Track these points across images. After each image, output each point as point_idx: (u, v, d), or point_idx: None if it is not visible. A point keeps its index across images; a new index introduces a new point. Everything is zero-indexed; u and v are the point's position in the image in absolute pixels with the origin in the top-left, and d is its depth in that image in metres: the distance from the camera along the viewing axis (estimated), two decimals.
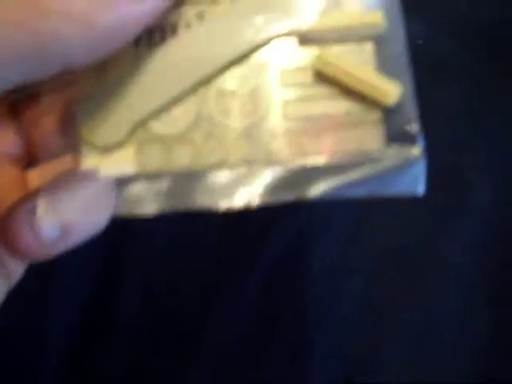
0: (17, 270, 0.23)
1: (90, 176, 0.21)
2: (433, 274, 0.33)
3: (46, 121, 0.22)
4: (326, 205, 0.33)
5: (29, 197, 0.21)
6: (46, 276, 0.27)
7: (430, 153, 0.21)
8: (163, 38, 0.22)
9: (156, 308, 0.33)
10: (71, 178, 0.21)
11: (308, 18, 0.21)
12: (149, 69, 0.21)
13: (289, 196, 0.21)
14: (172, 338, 0.33)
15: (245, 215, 0.24)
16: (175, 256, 0.33)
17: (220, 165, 0.21)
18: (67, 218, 0.20)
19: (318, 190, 0.21)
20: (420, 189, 0.21)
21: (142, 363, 0.33)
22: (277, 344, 0.32)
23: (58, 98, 0.22)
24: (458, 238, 0.33)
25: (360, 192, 0.21)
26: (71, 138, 0.22)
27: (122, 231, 0.33)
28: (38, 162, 0.23)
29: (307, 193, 0.21)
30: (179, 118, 0.21)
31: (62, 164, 0.23)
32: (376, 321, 0.33)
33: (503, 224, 0.33)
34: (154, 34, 0.22)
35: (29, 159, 0.23)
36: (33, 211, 0.20)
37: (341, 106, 0.21)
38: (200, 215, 0.22)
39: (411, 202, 0.30)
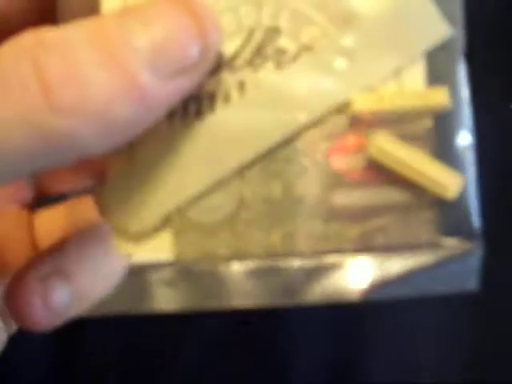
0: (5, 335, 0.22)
1: (122, 261, 0.20)
2: None
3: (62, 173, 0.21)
4: None
5: (40, 261, 0.19)
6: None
7: None
8: (199, 111, 0.19)
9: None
10: (96, 254, 0.20)
11: (361, 96, 0.19)
12: (185, 148, 0.19)
13: (328, 295, 0.20)
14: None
15: None
16: None
17: (263, 257, 0.20)
18: (82, 291, 0.19)
19: (361, 287, 0.20)
20: (472, 284, 0.20)
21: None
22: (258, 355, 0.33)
23: None
24: None
25: (405, 290, 0.20)
26: (83, 180, 0.21)
27: None
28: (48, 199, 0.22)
29: (350, 292, 0.20)
30: (220, 204, 0.20)
31: (72, 209, 0.21)
32: (361, 323, 0.33)
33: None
34: (189, 106, 0.19)
35: (39, 196, 0.22)
36: (45, 279, 0.19)
37: (393, 194, 0.20)
38: None
39: None
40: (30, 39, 0.16)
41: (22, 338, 0.25)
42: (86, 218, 0.20)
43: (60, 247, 0.19)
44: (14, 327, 0.22)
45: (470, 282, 0.20)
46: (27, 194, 0.22)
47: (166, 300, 0.20)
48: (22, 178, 0.18)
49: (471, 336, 0.33)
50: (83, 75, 0.16)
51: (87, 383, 0.33)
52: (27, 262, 0.19)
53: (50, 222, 0.22)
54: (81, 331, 0.33)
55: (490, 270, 0.20)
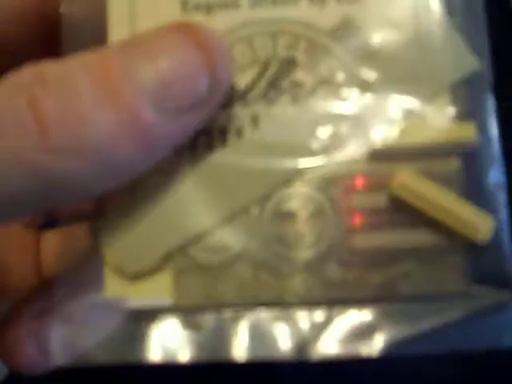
0: None
1: (115, 306, 0.18)
2: None
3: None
4: None
5: (34, 297, 0.19)
6: None
7: None
8: (210, 145, 0.18)
9: None
10: (92, 304, 0.18)
11: (385, 131, 0.18)
12: (191, 183, 0.18)
13: (349, 350, 0.18)
14: None
15: None
16: None
17: (273, 303, 0.18)
18: (77, 333, 0.18)
19: (385, 342, 0.18)
20: (508, 341, 0.18)
21: None
22: None
23: None
24: None
25: (433, 347, 0.18)
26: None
27: None
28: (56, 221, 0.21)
29: (372, 347, 0.18)
30: (225, 244, 0.18)
31: (76, 232, 0.20)
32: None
33: None
34: (199, 140, 0.18)
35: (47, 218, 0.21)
36: (39, 316, 0.18)
37: (418, 237, 0.18)
38: None
39: None
40: (28, 74, 0.15)
41: None
42: (83, 248, 0.19)
43: (53, 286, 0.18)
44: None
45: (507, 337, 0.18)
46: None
47: (166, 352, 0.18)
48: (23, 217, 0.17)
49: None
50: (82, 113, 0.15)
51: None
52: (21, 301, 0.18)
53: (57, 244, 0.21)
54: None
55: None
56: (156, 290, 0.18)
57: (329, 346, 0.18)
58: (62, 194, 0.16)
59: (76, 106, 0.15)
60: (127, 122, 0.15)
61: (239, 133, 0.18)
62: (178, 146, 0.17)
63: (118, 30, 0.18)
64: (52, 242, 0.22)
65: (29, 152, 0.15)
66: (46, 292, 0.19)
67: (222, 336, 0.18)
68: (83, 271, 0.19)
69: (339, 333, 0.18)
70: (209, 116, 0.17)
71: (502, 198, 0.18)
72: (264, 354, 0.18)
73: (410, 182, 0.18)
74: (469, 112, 0.18)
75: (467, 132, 0.18)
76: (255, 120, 0.18)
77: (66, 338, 0.18)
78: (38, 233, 0.22)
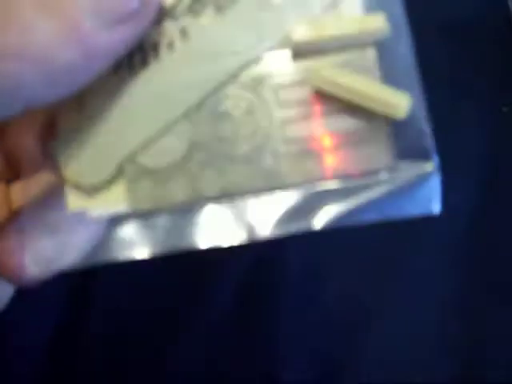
0: (4, 295, 0.22)
1: (80, 219, 0.20)
2: (405, 283, 0.32)
3: (27, 135, 0.21)
4: None
5: (19, 215, 0.20)
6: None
7: None
8: (145, 61, 0.20)
9: (119, 334, 0.32)
10: (59, 219, 0.20)
11: (301, 27, 0.19)
12: (132, 97, 0.19)
13: (295, 228, 0.19)
14: (133, 363, 0.32)
15: None
16: (139, 283, 0.32)
17: (220, 196, 0.20)
18: (53, 256, 0.19)
19: (325, 218, 0.19)
20: (436, 208, 0.20)
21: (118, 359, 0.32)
22: (248, 356, 0.32)
23: (39, 112, 0.21)
24: (429, 249, 0.32)
25: (371, 217, 0.19)
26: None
27: None
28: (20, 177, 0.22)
29: (314, 223, 0.19)
30: (171, 148, 0.20)
31: (44, 178, 0.21)
32: (349, 329, 0.32)
33: (476, 234, 0.32)
34: (134, 57, 0.20)
35: (12, 175, 0.22)
36: (24, 228, 0.19)
37: (344, 123, 0.20)
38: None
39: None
40: None
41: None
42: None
43: (38, 201, 0.20)
44: (9, 292, 0.22)
45: (433, 204, 0.20)
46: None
47: (129, 249, 0.20)
48: None
49: (460, 346, 0.32)
50: (25, 21, 0.16)
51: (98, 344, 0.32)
52: (6, 218, 0.19)
53: (25, 195, 0.22)
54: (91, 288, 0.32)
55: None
56: (112, 199, 0.19)
57: (273, 226, 0.19)
58: (10, 101, 0.17)
59: (19, 14, 0.16)
60: (67, 29, 0.16)
61: (171, 46, 0.20)
62: (115, 58, 0.18)
63: None
64: (21, 190, 0.23)
65: None
66: (27, 211, 0.20)
67: (175, 230, 0.19)
68: (47, 197, 0.20)
69: (283, 214, 0.19)
70: (143, 31, 0.18)
71: (414, 77, 0.19)
72: (217, 242, 0.19)
73: (330, 72, 0.19)
74: (378, 3, 0.20)
75: (377, 21, 0.19)
76: (184, 33, 0.20)
77: (56, 245, 0.19)
78: (7, 186, 0.23)
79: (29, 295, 0.30)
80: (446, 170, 0.32)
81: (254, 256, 0.32)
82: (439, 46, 0.33)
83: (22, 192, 0.22)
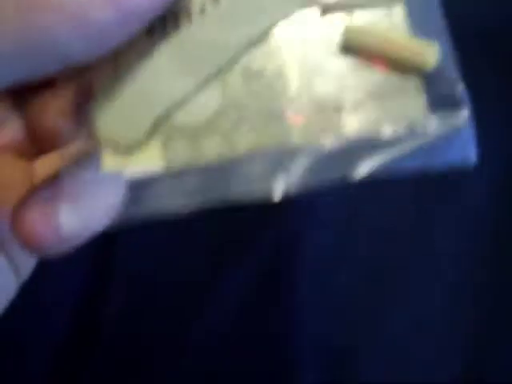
0: (27, 265, 0.22)
1: (114, 179, 0.20)
2: (418, 272, 0.32)
3: (55, 109, 0.21)
4: (313, 202, 0.32)
5: (43, 185, 0.19)
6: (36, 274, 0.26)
7: None
8: (177, 26, 0.20)
9: (143, 306, 0.32)
10: (94, 180, 0.20)
11: None
12: (166, 58, 0.20)
13: (332, 177, 0.19)
14: (157, 336, 0.32)
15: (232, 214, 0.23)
16: (163, 256, 0.32)
17: (254, 151, 0.20)
18: (88, 217, 0.19)
19: (363, 169, 0.19)
20: (472, 157, 0.19)
21: (129, 361, 0.32)
22: (262, 343, 0.31)
23: (68, 86, 0.21)
24: (443, 239, 0.32)
25: (409, 167, 0.19)
26: (82, 127, 0.21)
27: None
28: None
29: (352, 173, 0.19)
30: (204, 106, 0.20)
31: (70, 152, 0.21)
32: (362, 316, 0.32)
33: (490, 224, 0.32)
34: (168, 22, 0.20)
35: (37, 151, 0.22)
36: (49, 200, 0.19)
37: (376, 77, 0.20)
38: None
39: (397, 200, 0.31)
40: None
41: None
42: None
43: (61, 173, 0.20)
44: (24, 275, 0.21)
45: (469, 153, 0.19)
46: (22, 142, 0.22)
47: (166, 204, 0.20)
48: (5, 85, 0.18)
49: (471, 335, 0.31)
50: None
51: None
52: (29, 189, 0.19)
53: (51, 170, 0.22)
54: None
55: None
56: (148, 159, 0.20)
57: (324, 174, 0.19)
58: (45, 55, 0.17)
59: None
60: None
61: (202, 11, 0.20)
62: (149, 20, 0.19)
63: None
64: (46, 168, 0.23)
65: (12, 10, 0.16)
66: (50, 183, 0.20)
67: (209, 185, 0.19)
68: (82, 161, 0.20)
69: (316, 168, 0.19)
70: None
71: (442, 29, 0.20)
72: (251, 196, 0.19)
73: (359, 27, 0.20)
74: None
75: None
76: None
77: (78, 217, 0.19)
78: (29, 162, 0.23)
79: (53, 267, 0.30)
80: None
81: (272, 244, 0.32)
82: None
83: (46, 167, 0.22)
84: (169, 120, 0.20)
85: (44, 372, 0.31)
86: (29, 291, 0.27)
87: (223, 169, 0.20)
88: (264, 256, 0.32)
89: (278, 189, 0.20)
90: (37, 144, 0.21)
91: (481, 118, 0.26)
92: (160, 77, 0.20)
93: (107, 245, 0.32)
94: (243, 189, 0.20)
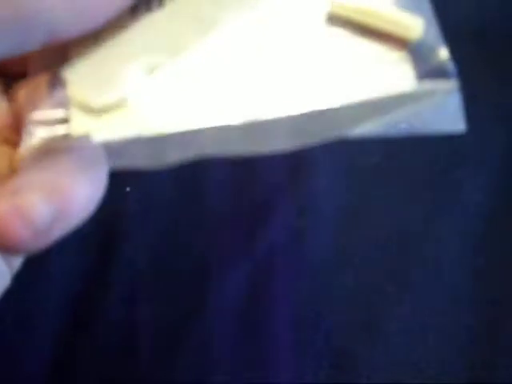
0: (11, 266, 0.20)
1: (83, 142, 0.19)
2: (419, 272, 0.32)
3: (38, 97, 0.20)
4: (318, 199, 0.32)
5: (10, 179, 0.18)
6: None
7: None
8: (161, 3, 0.20)
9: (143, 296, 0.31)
10: (61, 145, 0.19)
11: None
12: (146, 27, 0.20)
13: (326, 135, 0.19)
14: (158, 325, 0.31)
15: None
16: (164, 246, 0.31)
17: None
18: (61, 196, 0.18)
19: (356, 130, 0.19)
20: (460, 125, 0.19)
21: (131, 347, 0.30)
22: (267, 339, 0.30)
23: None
24: (444, 238, 0.32)
25: (400, 131, 0.19)
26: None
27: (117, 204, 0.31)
28: None
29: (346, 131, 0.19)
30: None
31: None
32: (365, 315, 0.31)
33: (491, 224, 0.32)
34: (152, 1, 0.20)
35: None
36: (17, 192, 0.18)
37: (363, 48, 0.20)
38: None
39: (400, 200, 0.31)
40: None
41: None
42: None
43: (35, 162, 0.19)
44: (16, 265, 0.20)
45: (457, 121, 0.19)
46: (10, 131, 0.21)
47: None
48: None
49: (474, 336, 0.31)
50: None
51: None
52: None
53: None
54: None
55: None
56: (119, 122, 0.19)
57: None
58: (33, 28, 0.17)
59: None
60: None
61: None
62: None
63: None
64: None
65: None
66: (22, 174, 0.19)
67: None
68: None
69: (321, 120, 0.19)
70: None
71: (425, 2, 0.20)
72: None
73: (346, 1, 0.20)
74: None
75: None
76: None
77: (53, 210, 0.18)
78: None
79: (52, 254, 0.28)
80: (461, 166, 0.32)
81: (268, 244, 0.31)
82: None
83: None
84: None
85: (42, 360, 0.30)
86: (27, 280, 0.26)
87: None
88: (266, 252, 0.31)
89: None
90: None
91: (481, 118, 0.26)
92: (136, 45, 0.20)
93: (108, 234, 0.31)
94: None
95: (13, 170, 0.20)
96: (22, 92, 0.20)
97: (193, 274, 0.31)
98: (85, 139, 0.19)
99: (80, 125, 0.19)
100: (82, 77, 0.19)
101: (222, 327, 0.30)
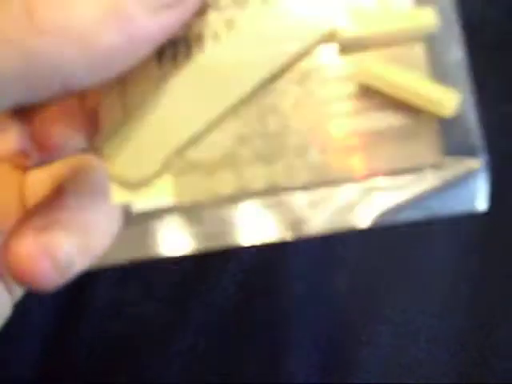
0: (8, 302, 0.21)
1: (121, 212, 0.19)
2: (412, 275, 0.32)
3: (57, 124, 0.20)
4: None
5: (37, 211, 0.19)
6: None
7: None
8: (189, 53, 0.19)
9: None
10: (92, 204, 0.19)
11: (349, 21, 0.19)
12: (177, 89, 0.19)
13: (340, 225, 0.19)
14: (145, 337, 0.32)
15: None
16: None
17: (266, 190, 0.19)
18: (86, 234, 0.19)
19: (372, 215, 0.19)
20: (481, 205, 0.19)
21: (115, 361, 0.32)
22: (254, 343, 0.32)
23: (71, 102, 0.20)
24: (437, 240, 0.32)
25: (416, 215, 0.19)
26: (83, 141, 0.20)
27: None
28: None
29: (361, 220, 0.19)
30: (218, 141, 0.19)
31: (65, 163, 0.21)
32: (357, 317, 0.32)
33: (484, 226, 0.32)
34: (179, 47, 0.19)
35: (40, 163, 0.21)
36: (45, 230, 0.18)
37: (391, 119, 0.19)
38: None
39: None
40: None
41: None
42: (82, 169, 0.20)
43: (57, 197, 0.19)
44: (18, 294, 0.21)
45: (479, 202, 0.19)
46: (20, 154, 0.21)
47: (172, 245, 0.19)
48: (4, 107, 0.17)
49: (465, 338, 0.32)
50: None
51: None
52: (23, 214, 0.19)
53: (43, 183, 0.21)
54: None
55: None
56: (158, 193, 0.19)
57: (319, 222, 0.19)
58: (47, 79, 0.16)
59: None
60: (112, 10, 0.16)
61: (216, 37, 0.19)
62: (157, 45, 0.18)
63: None
64: (39, 180, 0.22)
65: (15, 32, 0.15)
66: (45, 210, 0.19)
67: (221, 226, 0.19)
68: (85, 186, 0.20)
69: (327, 210, 0.19)
70: (186, 18, 0.18)
71: (463, 73, 0.19)
72: (262, 238, 0.19)
73: (376, 69, 0.19)
74: None
75: (427, 16, 0.19)
76: (230, 24, 0.19)
77: (77, 247, 0.18)
78: (24, 172, 0.22)
79: None
80: None
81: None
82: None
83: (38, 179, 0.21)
84: (181, 155, 0.19)
85: (30, 362, 0.32)
86: None
87: (231, 211, 0.19)
88: (256, 251, 0.32)
89: (288, 232, 0.19)
90: (40, 155, 0.21)
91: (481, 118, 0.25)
92: (172, 110, 0.19)
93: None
94: (252, 231, 0.19)
95: (21, 196, 0.20)
96: (41, 117, 0.20)
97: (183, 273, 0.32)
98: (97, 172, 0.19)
99: (120, 195, 0.19)
100: (117, 149, 0.19)
101: (210, 329, 0.32)
